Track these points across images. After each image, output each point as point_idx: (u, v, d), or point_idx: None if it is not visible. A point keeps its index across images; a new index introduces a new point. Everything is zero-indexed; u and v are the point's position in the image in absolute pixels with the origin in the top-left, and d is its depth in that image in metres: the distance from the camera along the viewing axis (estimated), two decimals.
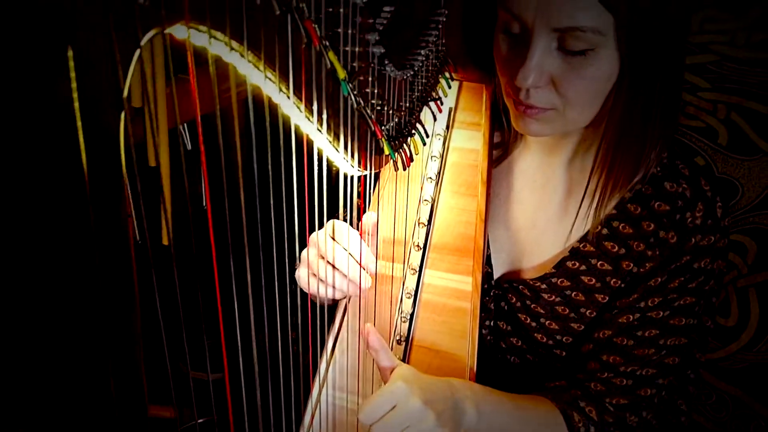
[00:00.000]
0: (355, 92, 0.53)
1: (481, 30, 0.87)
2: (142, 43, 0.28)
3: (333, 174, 0.58)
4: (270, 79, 0.44)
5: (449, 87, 0.80)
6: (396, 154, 0.66)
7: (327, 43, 0.44)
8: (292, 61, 0.43)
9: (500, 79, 0.81)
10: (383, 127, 0.63)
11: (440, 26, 0.76)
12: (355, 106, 0.51)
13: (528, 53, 0.71)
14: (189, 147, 1.44)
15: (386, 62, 0.59)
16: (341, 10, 0.47)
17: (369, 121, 0.55)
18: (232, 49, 0.40)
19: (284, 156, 0.49)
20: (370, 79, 0.57)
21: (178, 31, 0.34)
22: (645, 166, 0.80)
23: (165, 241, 0.51)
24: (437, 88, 0.79)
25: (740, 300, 1.44)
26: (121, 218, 0.31)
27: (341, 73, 0.46)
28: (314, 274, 0.80)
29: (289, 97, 0.44)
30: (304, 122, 0.50)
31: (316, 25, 0.43)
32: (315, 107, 0.48)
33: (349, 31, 0.50)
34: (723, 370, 1.50)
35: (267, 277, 0.54)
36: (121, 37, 0.27)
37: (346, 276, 0.79)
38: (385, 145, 0.60)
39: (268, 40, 0.39)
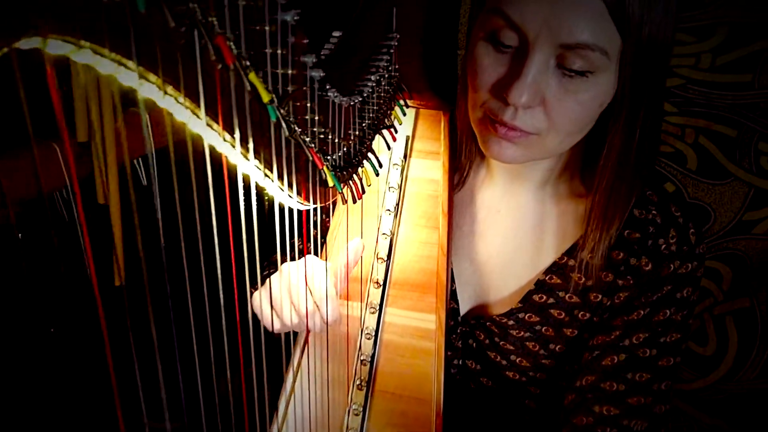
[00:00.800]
0: (289, 118, 0.48)
1: (441, 53, 0.83)
2: None
3: (268, 207, 0.53)
4: (182, 104, 0.39)
5: (404, 114, 0.76)
6: (344, 185, 0.61)
7: (248, 63, 0.40)
8: (208, 83, 0.39)
9: (472, 98, 0.73)
10: (329, 157, 0.58)
11: (392, 51, 0.71)
12: (286, 133, 0.46)
13: (524, 68, 0.65)
14: (144, 182, 1.39)
15: (328, 87, 0.54)
16: (267, 28, 0.43)
17: (307, 149, 0.50)
18: (120, 65, 0.35)
19: (214, 187, 0.44)
20: (308, 104, 0.52)
21: (51, 47, 0.28)
22: (634, 198, 0.77)
23: (117, 282, 0.47)
24: (391, 115, 0.75)
25: (717, 328, 1.40)
26: None
27: (265, 97, 0.41)
28: (270, 304, 0.73)
29: (200, 118, 0.39)
30: (231, 152, 0.45)
31: (232, 43, 0.38)
32: (238, 134, 0.43)
33: (280, 52, 0.45)
34: (703, 401, 1.46)
35: (218, 321, 0.50)
36: None
37: (300, 316, 0.73)
38: (328, 175, 0.55)
39: (170, 57, 0.34)
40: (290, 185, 0.54)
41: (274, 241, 0.58)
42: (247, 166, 0.47)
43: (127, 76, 0.33)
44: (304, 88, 0.47)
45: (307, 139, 0.51)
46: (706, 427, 1.49)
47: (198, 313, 0.49)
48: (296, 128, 0.48)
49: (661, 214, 0.78)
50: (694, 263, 0.78)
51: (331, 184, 0.55)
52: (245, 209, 0.49)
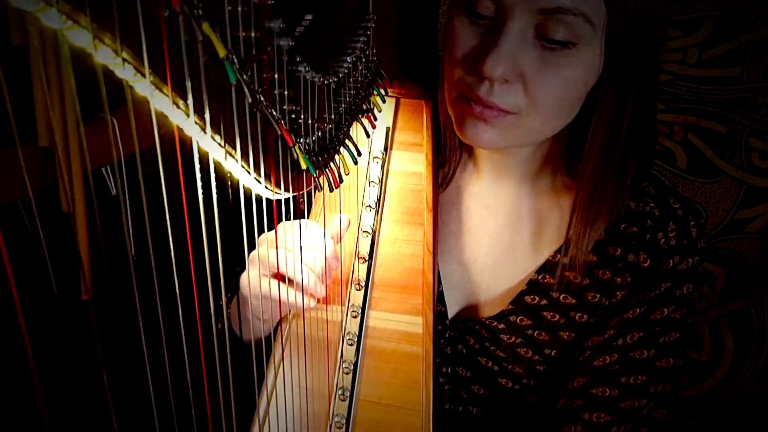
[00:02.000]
0: (253, 87, 0.43)
1: (421, 39, 0.79)
2: None
3: (234, 194, 0.47)
4: (126, 60, 0.34)
5: (383, 102, 0.71)
6: (319, 173, 0.56)
7: (200, 13, 0.35)
8: (152, 35, 0.33)
9: (449, 78, 0.69)
10: (301, 140, 0.53)
11: (369, 33, 0.67)
12: (249, 99, 0.41)
13: (500, 38, 0.60)
14: (113, 192, 1.32)
15: (298, 59, 0.49)
16: None
17: (275, 124, 0.45)
18: (69, 19, 0.30)
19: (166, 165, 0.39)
20: (276, 76, 0.47)
21: None
22: (627, 190, 0.71)
23: (84, 296, 0.44)
24: (370, 102, 0.70)
25: (712, 332, 1.36)
26: None
27: (221, 51, 0.36)
28: (267, 275, 0.65)
29: (146, 78, 0.34)
30: (186, 122, 0.40)
31: None
32: (192, 100, 0.38)
33: (240, 9, 0.40)
34: (699, 408, 1.41)
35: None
36: None
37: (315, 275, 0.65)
38: (300, 157, 0.50)
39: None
40: (257, 167, 0.48)
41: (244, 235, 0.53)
42: (205, 141, 0.42)
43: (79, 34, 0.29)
44: (269, 49, 0.42)
45: (276, 114, 0.46)
46: None
47: (160, 322, 0.45)
48: (262, 99, 0.43)
49: (659, 207, 0.74)
50: (695, 258, 0.73)
51: (303, 167, 0.50)
52: (208, 196, 0.43)
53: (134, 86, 0.36)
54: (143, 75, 0.34)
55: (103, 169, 1.26)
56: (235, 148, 0.44)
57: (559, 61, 0.61)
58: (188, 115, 0.39)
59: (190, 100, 0.38)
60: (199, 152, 0.43)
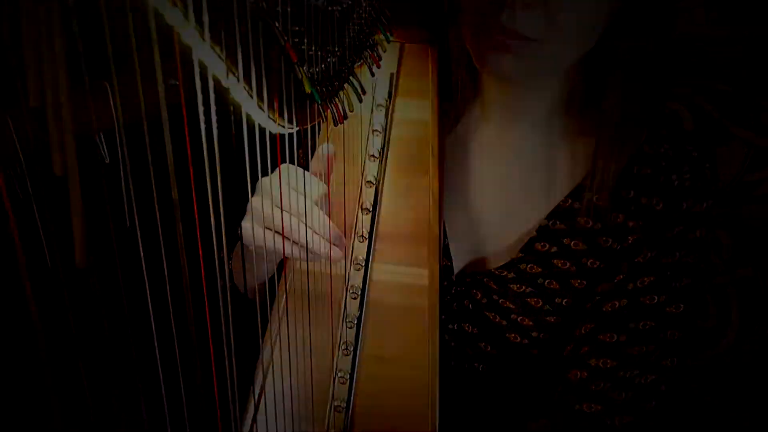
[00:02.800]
0: None
1: None
2: None
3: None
4: None
5: (388, 41, 0.69)
6: (323, 104, 0.54)
7: None
8: None
9: (468, 6, 0.68)
10: (305, 67, 0.51)
11: None
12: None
13: None
14: (107, 160, 1.31)
15: None
16: None
17: (279, 34, 0.42)
18: None
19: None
20: None
21: None
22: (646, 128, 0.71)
23: (79, 264, 0.42)
24: (374, 41, 0.67)
25: (718, 300, 1.34)
26: None
27: None
28: (269, 228, 0.64)
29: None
30: (184, 25, 0.37)
31: None
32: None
33: None
34: (704, 378, 1.40)
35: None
36: None
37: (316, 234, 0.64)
38: (304, 79, 0.47)
39: None
40: (260, 93, 0.46)
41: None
42: (204, 49, 0.39)
43: None
44: None
45: (277, 25, 0.43)
46: (707, 405, 1.43)
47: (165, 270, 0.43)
48: (265, 4, 0.40)
49: (673, 149, 0.73)
50: (709, 201, 0.72)
51: (308, 90, 0.48)
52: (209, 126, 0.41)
53: None
54: None
55: (97, 137, 1.24)
56: (236, 64, 0.41)
57: None
58: (185, 16, 0.36)
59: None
60: (199, 66, 0.40)
